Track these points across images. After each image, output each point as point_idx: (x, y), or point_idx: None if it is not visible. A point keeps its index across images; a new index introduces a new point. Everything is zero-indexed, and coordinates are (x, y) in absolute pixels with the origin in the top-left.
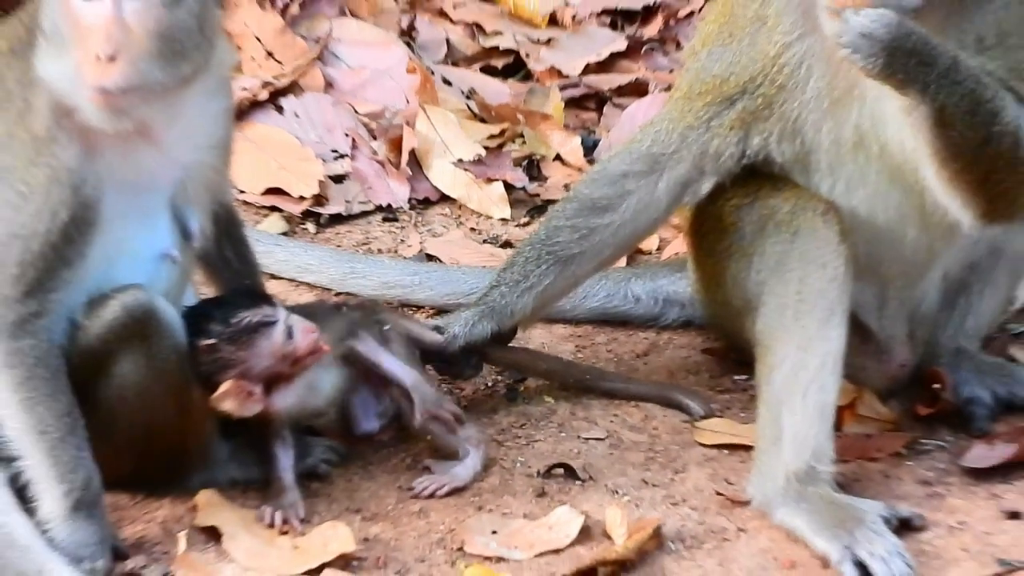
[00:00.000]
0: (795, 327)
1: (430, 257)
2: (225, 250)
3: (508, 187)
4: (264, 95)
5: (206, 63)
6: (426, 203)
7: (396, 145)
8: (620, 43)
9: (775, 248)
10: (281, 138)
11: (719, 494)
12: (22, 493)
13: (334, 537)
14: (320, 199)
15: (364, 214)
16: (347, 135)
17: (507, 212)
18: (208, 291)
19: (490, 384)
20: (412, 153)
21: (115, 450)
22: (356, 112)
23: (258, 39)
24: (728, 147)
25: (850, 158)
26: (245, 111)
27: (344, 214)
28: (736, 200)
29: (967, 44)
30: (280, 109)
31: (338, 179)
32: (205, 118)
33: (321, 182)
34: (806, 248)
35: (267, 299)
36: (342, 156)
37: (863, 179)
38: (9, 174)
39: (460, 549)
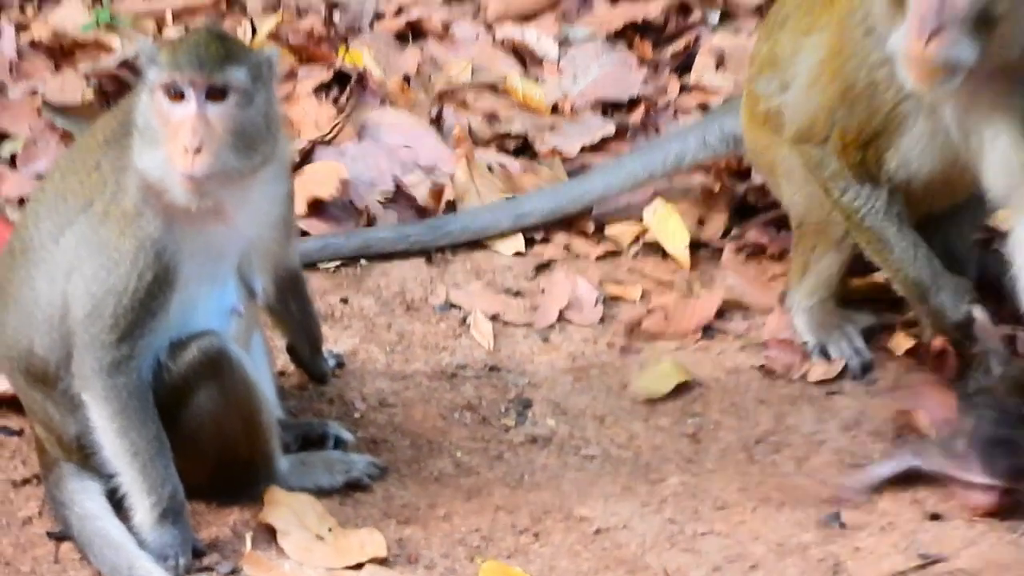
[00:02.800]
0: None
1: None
2: (289, 305)
3: None
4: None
5: (272, 153)
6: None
7: (437, 195)
8: (610, 128)
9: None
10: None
11: None
12: (117, 504)
13: (370, 541)
14: None
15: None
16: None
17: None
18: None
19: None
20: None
21: (195, 465)
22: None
23: (316, 126)
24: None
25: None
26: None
27: None
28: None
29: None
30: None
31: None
32: (268, 200)
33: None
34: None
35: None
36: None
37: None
38: (106, 244)
39: (478, 547)
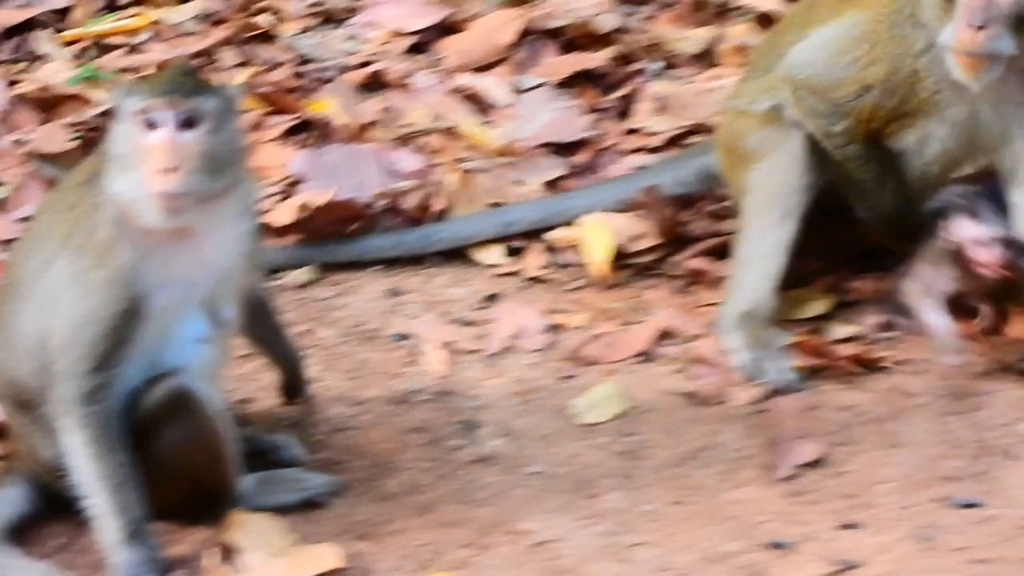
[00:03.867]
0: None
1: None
2: (261, 332)
3: None
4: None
5: (238, 180)
6: None
7: (424, 204)
8: (559, 169)
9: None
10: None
11: None
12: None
13: (328, 555)
14: None
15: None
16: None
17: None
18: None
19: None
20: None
21: (161, 489)
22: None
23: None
24: None
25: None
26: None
27: None
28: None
29: None
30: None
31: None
32: (236, 232)
33: None
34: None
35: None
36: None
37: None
38: (81, 275)
39: (428, 560)
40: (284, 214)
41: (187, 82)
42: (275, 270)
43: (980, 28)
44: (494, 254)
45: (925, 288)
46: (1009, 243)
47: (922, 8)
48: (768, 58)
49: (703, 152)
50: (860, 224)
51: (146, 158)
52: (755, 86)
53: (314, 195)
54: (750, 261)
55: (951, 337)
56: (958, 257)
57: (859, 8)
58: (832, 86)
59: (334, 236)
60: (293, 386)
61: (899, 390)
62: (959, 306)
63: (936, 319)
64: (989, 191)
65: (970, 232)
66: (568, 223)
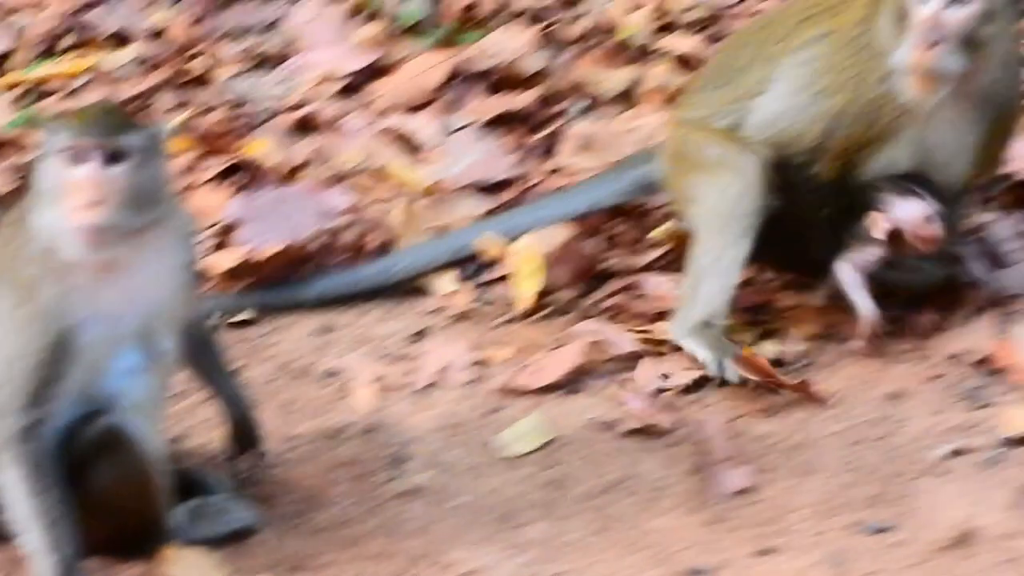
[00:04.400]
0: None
1: None
2: (202, 368)
3: None
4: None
5: (163, 216)
6: None
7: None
8: (485, 207)
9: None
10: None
11: None
12: None
13: None
14: None
15: None
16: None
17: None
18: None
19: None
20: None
21: (97, 525)
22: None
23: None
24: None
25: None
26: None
27: None
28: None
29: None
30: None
31: None
32: (167, 265)
33: None
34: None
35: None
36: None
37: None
38: (10, 312)
39: None
40: (225, 261)
41: (112, 119)
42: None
43: (931, 47)
44: (446, 281)
45: (855, 266)
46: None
47: (878, 33)
48: (726, 72)
49: (642, 162)
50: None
51: (71, 193)
52: (713, 98)
53: (254, 245)
54: (705, 275)
55: (873, 317)
56: (897, 237)
57: (816, 33)
58: (803, 131)
59: (278, 281)
60: (241, 435)
61: (815, 417)
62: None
63: (861, 297)
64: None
65: (915, 210)
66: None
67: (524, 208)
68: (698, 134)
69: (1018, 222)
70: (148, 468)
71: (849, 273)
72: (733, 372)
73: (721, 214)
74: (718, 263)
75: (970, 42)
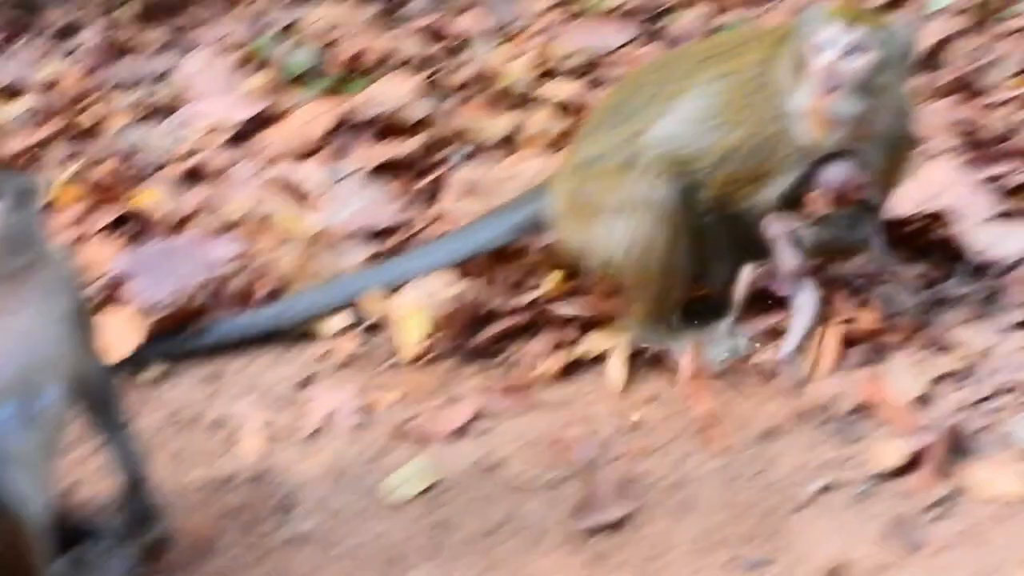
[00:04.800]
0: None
1: None
2: (93, 414)
3: None
4: None
5: (38, 265)
6: None
7: (252, 284)
8: (371, 252)
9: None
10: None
11: None
12: None
13: None
14: None
15: None
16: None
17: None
18: None
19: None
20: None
21: None
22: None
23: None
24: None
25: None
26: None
27: None
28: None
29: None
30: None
31: None
32: (46, 314)
33: None
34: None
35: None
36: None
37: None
38: None
39: None
40: (115, 313)
41: None
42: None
43: (828, 94)
44: (333, 326)
45: (785, 228)
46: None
47: (777, 75)
48: (621, 112)
49: (524, 205)
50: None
51: None
52: (608, 138)
53: (145, 297)
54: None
55: (797, 266)
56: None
57: (715, 73)
58: (697, 155)
59: (169, 331)
60: (131, 490)
61: (692, 456)
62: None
63: (788, 250)
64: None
65: (842, 170)
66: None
67: (410, 253)
68: (596, 177)
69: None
70: (20, 524)
71: (779, 229)
72: (726, 348)
73: (640, 248)
74: (655, 295)
75: (865, 89)
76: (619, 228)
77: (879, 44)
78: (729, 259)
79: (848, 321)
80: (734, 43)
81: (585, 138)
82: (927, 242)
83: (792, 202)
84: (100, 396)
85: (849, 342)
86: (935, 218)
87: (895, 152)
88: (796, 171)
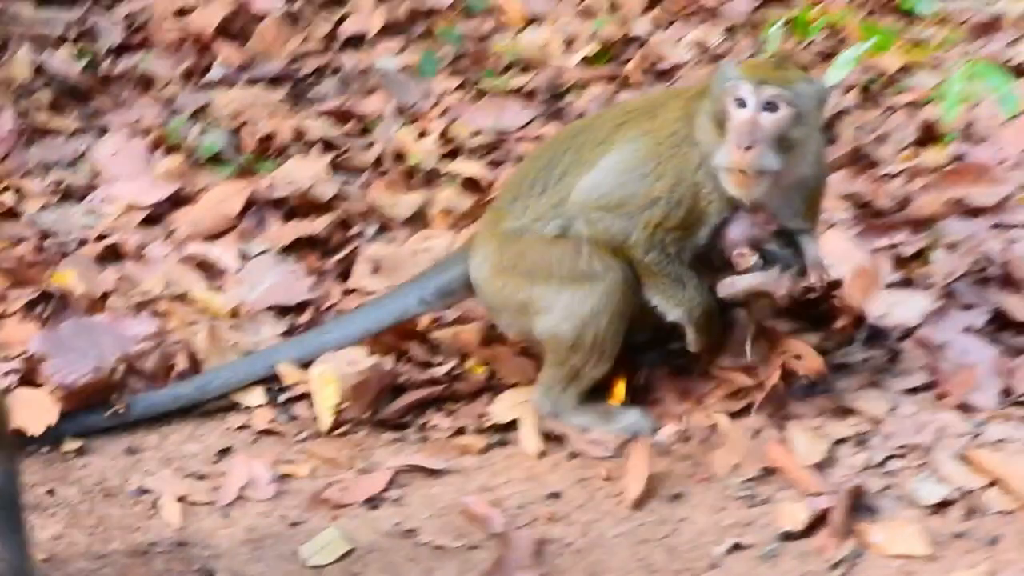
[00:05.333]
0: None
1: None
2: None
3: None
4: None
5: None
6: None
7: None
8: (283, 328)
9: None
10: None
11: None
12: None
13: None
14: None
15: None
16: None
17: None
18: None
19: None
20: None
21: None
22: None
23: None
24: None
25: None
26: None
27: None
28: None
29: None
30: None
31: None
32: None
33: None
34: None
35: None
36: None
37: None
38: None
39: None
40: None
41: None
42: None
43: (748, 148)
44: (249, 400)
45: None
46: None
47: (696, 131)
48: (544, 179)
49: (438, 273)
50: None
51: None
52: (537, 205)
53: (61, 376)
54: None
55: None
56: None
57: (636, 132)
58: (623, 201)
59: (87, 407)
60: None
61: (602, 520)
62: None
63: (755, 277)
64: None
65: (744, 223)
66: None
67: (325, 326)
68: (531, 246)
69: None
70: None
71: (732, 286)
72: (630, 424)
73: (582, 321)
74: (578, 368)
75: (783, 143)
76: (562, 299)
77: (794, 98)
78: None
79: (750, 388)
80: (649, 105)
81: (508, 207)
82: (827, 309)
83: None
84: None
85: (749, 405)
86: (833, 286)
87: (812, 195)
88: (720, 218)
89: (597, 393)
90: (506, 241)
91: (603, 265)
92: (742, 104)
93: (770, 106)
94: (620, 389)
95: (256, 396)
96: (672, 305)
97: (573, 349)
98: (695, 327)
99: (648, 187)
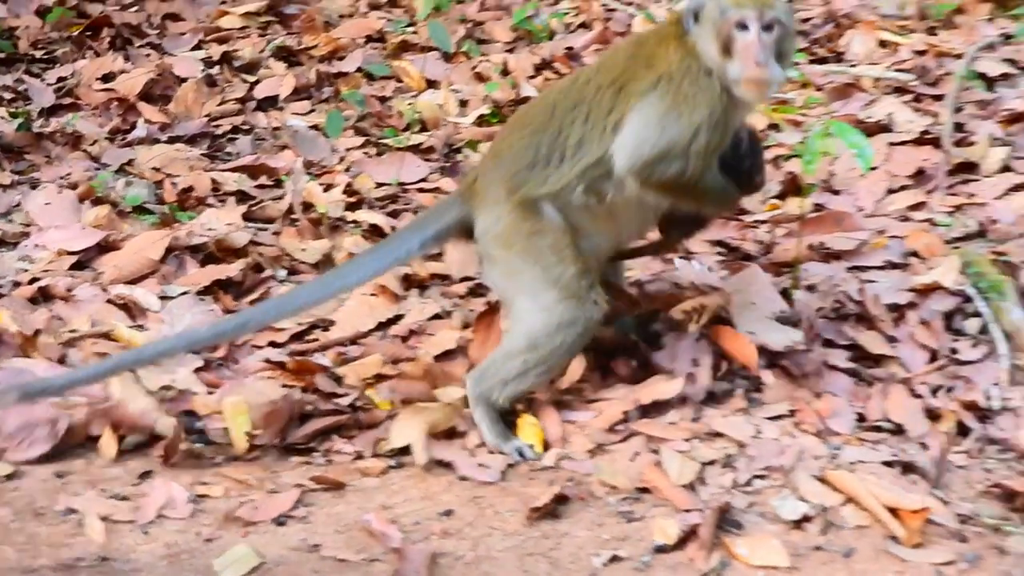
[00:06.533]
0: None
1: None
2: None
3: None
4: None
5: None
6: None
7: None
8: (196, 363)
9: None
10: None
11: None
12: None
13: None
14: None
15: None
16: None
17: None
18: None
19: None
20: None
21: None
22: None
23: None
24: None
25: None
26: None
27: None
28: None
29: None
30: None
31: None
32: None
33: None
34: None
35: None
36: None
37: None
38: None
39: None
40: None
41: None
42: None
43: (758, 64)
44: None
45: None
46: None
47: (704, 59)
48: (559, 150)
49: (446, 213)
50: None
51: None
52: (562, 173)
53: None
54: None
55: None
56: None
57: (646, 85)
58: (672, 144)
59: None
60: None
61: (491, 535)
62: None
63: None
64: None
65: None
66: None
67: (337, 270)
68: (555, 232)
69: None
70: None
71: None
72: (516, 448)
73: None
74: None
75: (779, 55)
76: (551, 297)
77: (783, 18)
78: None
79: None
80: (632, 61)
81: (527, 174)
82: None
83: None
84: None
85: (629, 436)
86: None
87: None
88: (739, 123)
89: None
90: (529, 210)
91: (596, 299)
92: (744, 27)
93: (768, 27)
94: (526, 428)
95: (171, 424)
96: (714, 207)
97: (534, 347)
98: (725, 211)
99: (688, 123)
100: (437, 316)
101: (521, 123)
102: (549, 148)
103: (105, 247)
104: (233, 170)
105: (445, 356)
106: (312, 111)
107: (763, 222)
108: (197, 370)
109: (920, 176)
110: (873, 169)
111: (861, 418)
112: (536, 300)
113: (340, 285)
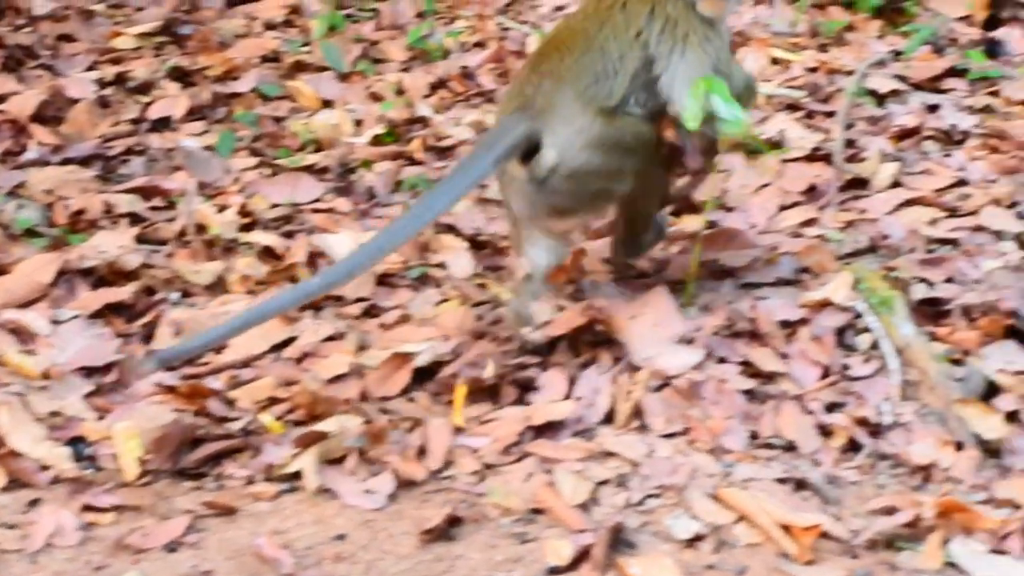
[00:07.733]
0: None
1: None
2: None
3: None
4: None
5: None
6: None
7: None
8: (87, 388)
9: None
10: None
11: None
12: None
13: None
14: None
15: None
16: None
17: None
18: None
19: None
20: None
21: None
22: None
23: None
24: None
25: None
26: None
27: None
28: None
29: None
30: None
31: None
32: None
33: None
34: None
35: None
36: None
37: None
38: None
39: None
40: None
41: None
42: None
43: None
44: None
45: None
46: None
47: None
48: (611, 65)
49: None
50: None
51: None
52: (619, 87)
53: None
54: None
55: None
56: None
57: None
58: (717, 66)
59: None
60: None
61: (384, 558)
62: None
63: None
64: None
65: None
66: None
67: (420, 201)
68: (634, 123)
69: None
70: None
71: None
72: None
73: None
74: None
75: None
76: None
77: None
78: None
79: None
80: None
81: (592, 90)
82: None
83: None
84: None
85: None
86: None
87: None
88: None
89: None
90: (612, 115)
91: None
92: None
93: None
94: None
95: (64, 454)
96: (752, 101)
97: (648, 207)
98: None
99: (722, 43)
100: (331, 338)
101: (564, 49)
102: (602, 67)
103: None
104: (126, 192)
105: (337, 380)
106: (206, 132)
107: None
108: (87, 395)
109: (812, 192)
110: (766, 186)
111: (753, 435)
112: (640, 181)
113: (431, 215)
